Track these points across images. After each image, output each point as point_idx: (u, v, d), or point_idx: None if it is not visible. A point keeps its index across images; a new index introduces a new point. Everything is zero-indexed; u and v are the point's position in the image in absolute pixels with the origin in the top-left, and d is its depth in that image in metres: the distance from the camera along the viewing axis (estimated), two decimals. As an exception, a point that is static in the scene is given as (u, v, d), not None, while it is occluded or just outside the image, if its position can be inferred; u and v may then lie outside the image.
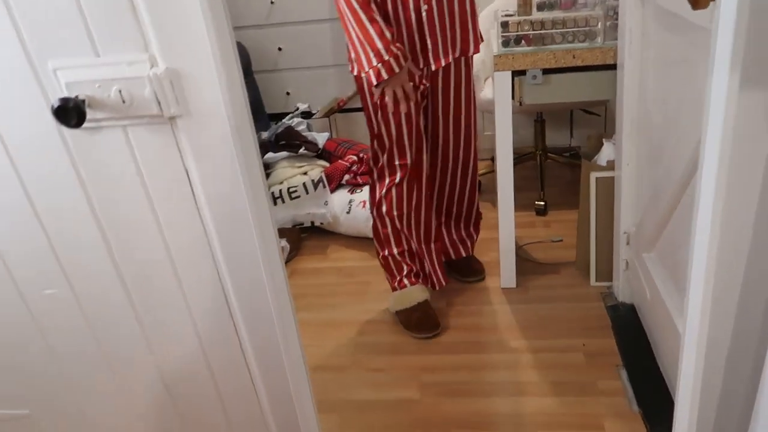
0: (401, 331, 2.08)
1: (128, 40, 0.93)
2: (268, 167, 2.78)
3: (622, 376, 1.80)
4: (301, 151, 2.79)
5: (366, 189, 2.69)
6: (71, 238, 1.12)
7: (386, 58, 1.71)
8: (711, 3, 1.08)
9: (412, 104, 1.84)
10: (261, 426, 1.32)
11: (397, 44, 1.73)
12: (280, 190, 2.67)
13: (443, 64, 1.88)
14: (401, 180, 1.96)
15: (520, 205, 2.69)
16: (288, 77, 3.37)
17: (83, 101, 0.95)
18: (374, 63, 1.72)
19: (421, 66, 1.86)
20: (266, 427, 1.32)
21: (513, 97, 2.03)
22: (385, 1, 1.74)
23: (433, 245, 2.14)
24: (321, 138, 2.93)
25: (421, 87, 1.90)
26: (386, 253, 2.10)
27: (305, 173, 2.75)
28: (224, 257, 1.10)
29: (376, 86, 1.77)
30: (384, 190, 1.99)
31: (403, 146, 1.91)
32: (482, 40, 1.98)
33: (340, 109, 3.32)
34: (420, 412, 1.74)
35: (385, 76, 1.73)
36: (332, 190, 2.71)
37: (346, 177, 2.75)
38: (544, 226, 2.69)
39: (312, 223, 2.69)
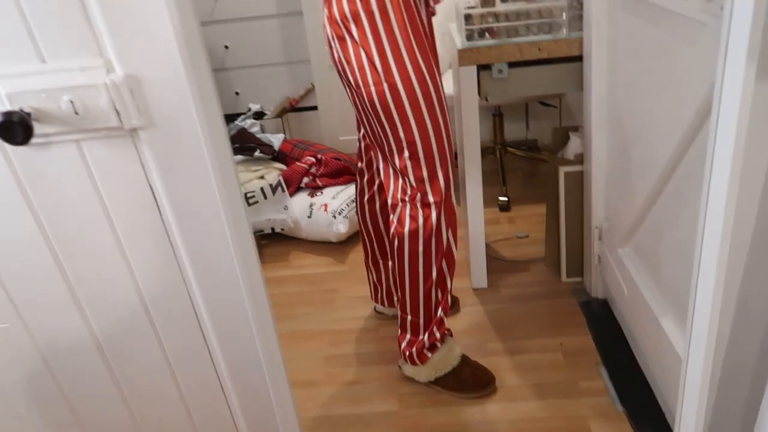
0: (373, 340, 2.00)
1: (79, 43, 0.81)
2: (221, 172, 2.65)
3: (602, 375, 1.76)
4: (257, 154, 2.67)
5: (327, 191, 2.59)
6: (20, 266, 0.99)
7: None
8: (703, -9, 1.04)
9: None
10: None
11: None
12: (236, 196, 2.55)
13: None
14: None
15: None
16: (236, 76, 3.24)
17: (29, 114, 0.83)
18: None
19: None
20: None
21: (479, 93, 1.97)
22: None
23: None
24: (276, 140, 2.82)
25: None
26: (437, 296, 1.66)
27: (262, 177, 2.63)
28: (197, 280, 1.00)
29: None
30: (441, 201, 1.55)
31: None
32: None
33: (292, 108, 3.21)
34: (402, 425, 1.67)
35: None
36: (291, 194, 2.60)
37: (305, 180, 2.64)
38: (508, 222, 2.66)
39: (272, 229, 2.57)
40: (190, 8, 0.81)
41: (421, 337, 1.68)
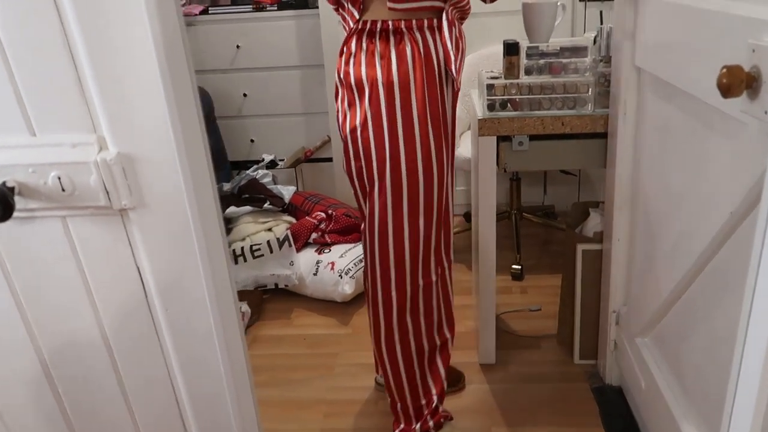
0: (373, 414, 1.89)
1: (72, 119, 0.76)
2: (229, 222, 2.59)
3: (614, 473, 1.65)
4: (266, 205, 2.61)
5: (335, 249, 2.52)
6: (-8, 344, 0.92)
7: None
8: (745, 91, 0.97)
9: None
10: None
11: None
12: (242, 248, 2.48)
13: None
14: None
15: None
16: (252, 124, 3.21)
17: (12, 189, 0.77)
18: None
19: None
20: None
21: (497, 163, 1.91)
22: None
23: None
24: (287, 192, 2.76)
25: None
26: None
27: (269, 230, 2.57)
28: (180, 367, 0.92)
29: None
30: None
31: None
32: None
33: (307, 159, 3.17)
34: None
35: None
36: (298, 250, 2.53)
37: (314, 235, 2.57)
38: (521, 293, 2.56)
39: (276, 285, 2.50)
40: (190, 88, 0.75)
41: (413, 425, 1.56)
